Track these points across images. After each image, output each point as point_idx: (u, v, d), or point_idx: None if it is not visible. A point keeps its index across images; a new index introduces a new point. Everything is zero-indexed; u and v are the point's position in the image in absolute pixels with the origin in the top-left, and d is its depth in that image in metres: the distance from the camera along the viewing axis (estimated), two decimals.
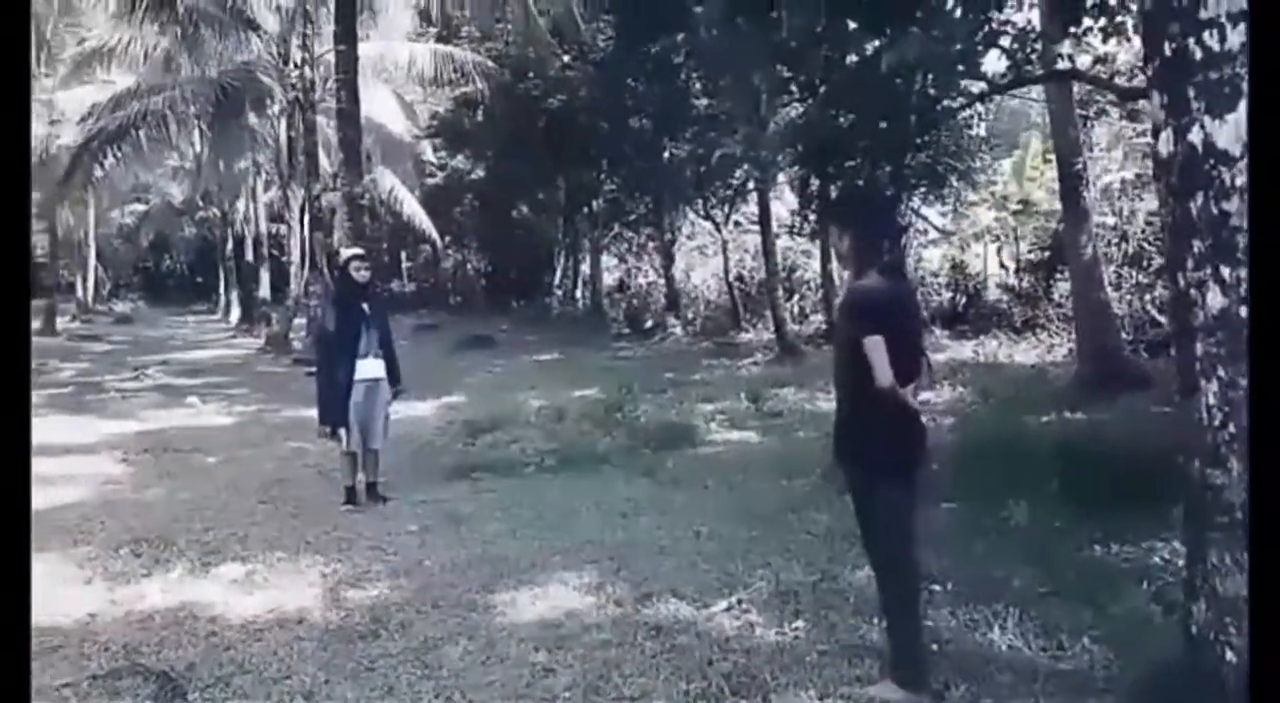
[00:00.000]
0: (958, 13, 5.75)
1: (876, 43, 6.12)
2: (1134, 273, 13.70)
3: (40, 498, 6.92)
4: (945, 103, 7.81)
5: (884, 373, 2.97)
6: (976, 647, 3.65)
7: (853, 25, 6.15)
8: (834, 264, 18.01)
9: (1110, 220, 15.00)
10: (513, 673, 3.65)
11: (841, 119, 8.14)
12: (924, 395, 3.14)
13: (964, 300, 18.08)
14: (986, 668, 3.45)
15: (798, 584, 4.46)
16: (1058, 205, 16.77)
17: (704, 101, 17.70)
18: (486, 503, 6.52)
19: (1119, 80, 11.10)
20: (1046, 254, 16.31)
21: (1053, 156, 17.21)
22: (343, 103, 13.52)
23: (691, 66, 16.08)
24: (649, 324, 21.56)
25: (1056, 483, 5.52)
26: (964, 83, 7.37)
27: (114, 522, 6.32)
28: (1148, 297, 13.23)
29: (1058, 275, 15.52)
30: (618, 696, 3.42)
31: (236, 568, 5.19)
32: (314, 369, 12.83)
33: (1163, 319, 12.78)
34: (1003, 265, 18.56)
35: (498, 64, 20.20)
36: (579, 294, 26.54)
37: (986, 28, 5.72)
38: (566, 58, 19.92)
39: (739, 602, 4.25)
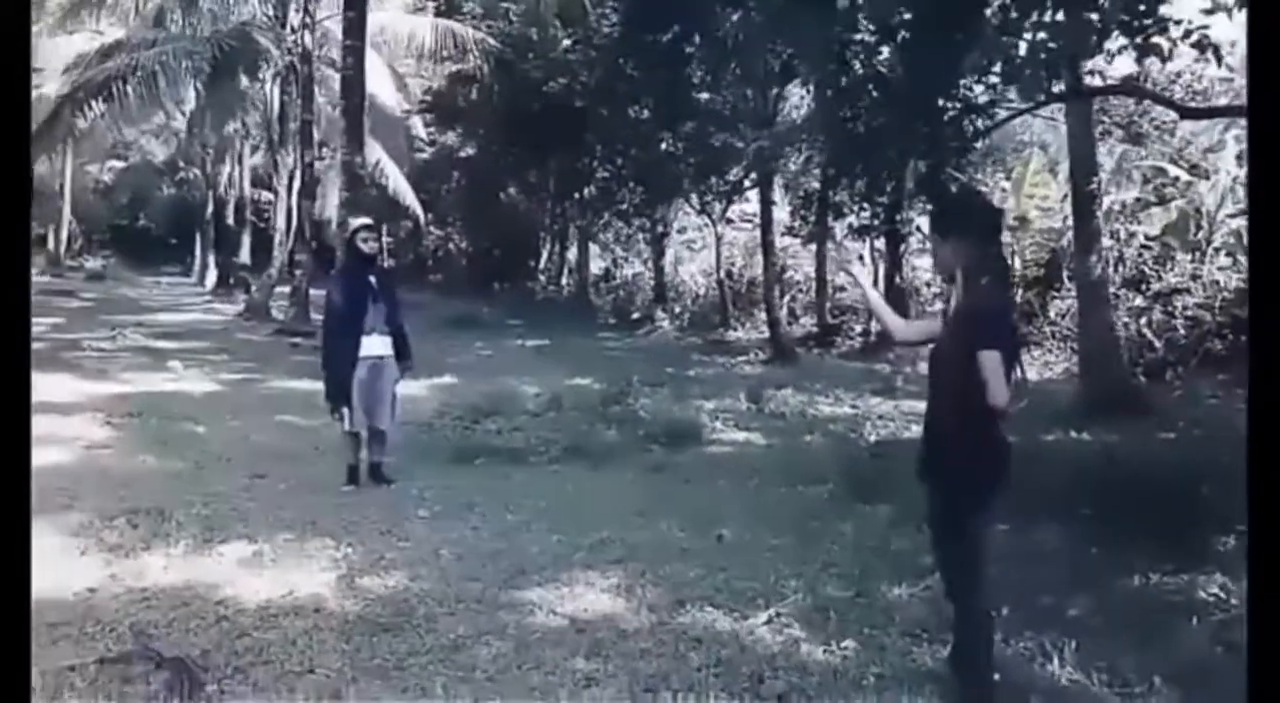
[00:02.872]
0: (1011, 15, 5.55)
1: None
2: (1131, 295, 13.71)
3: None
4: (994, 110, 7.66)
5: (1000, 391, 2.79)
6: (1036, 678, 3.51)
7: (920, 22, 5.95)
8: (828, 267, 17.96)
9: (1107, 242, 15.01)
10: (552, 680, 3.47)
11: (858, 123, 7.93)
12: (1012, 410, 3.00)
13: None
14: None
15: (835, 598, 4.30)
16: (1051, 223, 16.93)
17: (705, 95, 17.40)
18: (495, 492, 6.31)
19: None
20: (1042, 272, 16.31)
21: (1049, 175, 17.44)
22: (349, 70, 13.16)
23: (699, 57, 15.75)
24: (636, 316, 21.36)
25: (1087, 507, 5.43)
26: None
27: (104, 489, 6.04)
28: (1143, 320, 13.28)
29: (1053, 293, 15.54)
30: None
31: (242, 547, 4.95)
32: (298, 340, 12.50)
33: (1159, 343, 12.88)
34: None
35: (499, 43, 19.85)
36: (563, 281, 26.25)
37: (1034, 37, 5.50)
38: (568, 41, 19.61)
39: (778, 615, 4.09)
